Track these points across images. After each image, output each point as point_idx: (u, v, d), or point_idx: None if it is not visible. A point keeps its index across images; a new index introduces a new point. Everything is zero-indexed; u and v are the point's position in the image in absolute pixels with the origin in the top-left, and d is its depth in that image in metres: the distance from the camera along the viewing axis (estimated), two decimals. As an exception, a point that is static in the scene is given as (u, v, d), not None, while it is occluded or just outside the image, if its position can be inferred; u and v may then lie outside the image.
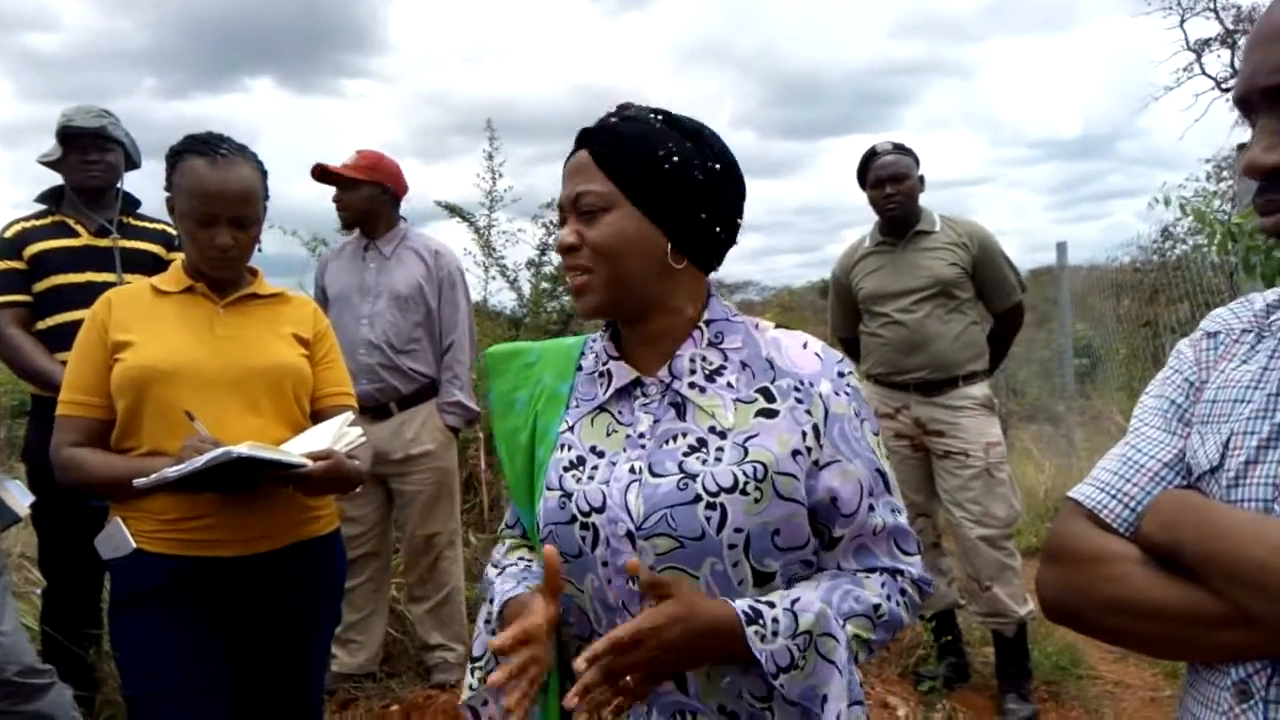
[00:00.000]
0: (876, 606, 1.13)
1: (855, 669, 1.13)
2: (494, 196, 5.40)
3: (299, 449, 1.83)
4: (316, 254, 5.83)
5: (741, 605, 1.05)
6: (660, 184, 1.12)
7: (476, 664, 1.26)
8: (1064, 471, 6.32)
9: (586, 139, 1.17)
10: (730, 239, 1.21)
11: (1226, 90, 18.80)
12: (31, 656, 2.29)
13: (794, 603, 1.07)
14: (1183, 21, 18.91)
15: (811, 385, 1.14)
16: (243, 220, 1.90)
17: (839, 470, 1.12)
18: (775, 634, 1.04)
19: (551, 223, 6.02)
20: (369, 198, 3.34)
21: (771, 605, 1.06)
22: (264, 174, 1.97)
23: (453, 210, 5.30)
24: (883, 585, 1.15)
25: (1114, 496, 0.97)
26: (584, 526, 1.14)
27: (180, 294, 1.95)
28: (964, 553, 3.31)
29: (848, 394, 1.16)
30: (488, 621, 1.25)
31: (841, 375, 1.16)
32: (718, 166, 1.16)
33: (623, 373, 1.20)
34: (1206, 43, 18.92)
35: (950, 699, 3.31)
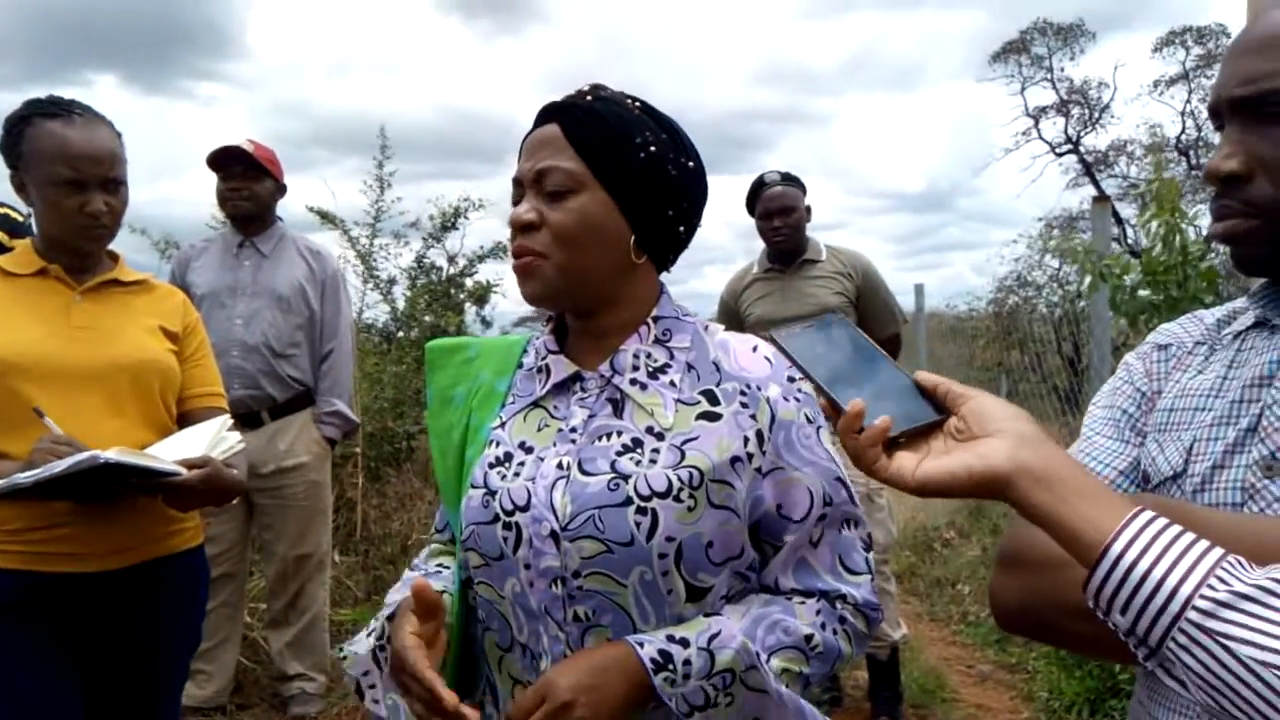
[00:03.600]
0: (809, 638, 1.04)
1: (809, 706, 1.04)
2: (380, 208, 5.21)
3: (170, 454, 1.65)
4: (166, 256, 5.49)
5: (649, 651, 0.97)
6: (634, 172, 1.05)
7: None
8: (925, 500, 6.55)
9: (556, 113, 1.08)
10: (687, 241, 1.15)
11: (1061, 154, 20.41)
12: None
13: (711, 639, 1.00)
14: (1023, 89, 20.44)
15: (759, 389, 1.07)
16: (113, 183, 1.74)
17: (783, 478, 1.06)
18: (688, 677, 0.97)
19: (429, 236, 5.88)
20: (272, 191, 3.15)
21: (686, 644, 0.99)
22: (119, 135, 1.79)
23: (326, 218, 5.07)
24: (818, 613, 1.06)
25: None
26: (507, 526, 1.05)
27: (31, 277, 1.74)
28: (842, 578, 3.34)
29: (798, 399, 1.08)
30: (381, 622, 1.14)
31: (792, 380, 1.10)
32: (690, 164, 1.10)
33: (561, 367, 1.12)
34: (1044, 110, 20.50)
35: (824, 724, 3.33)
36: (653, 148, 1.06)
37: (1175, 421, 0.96)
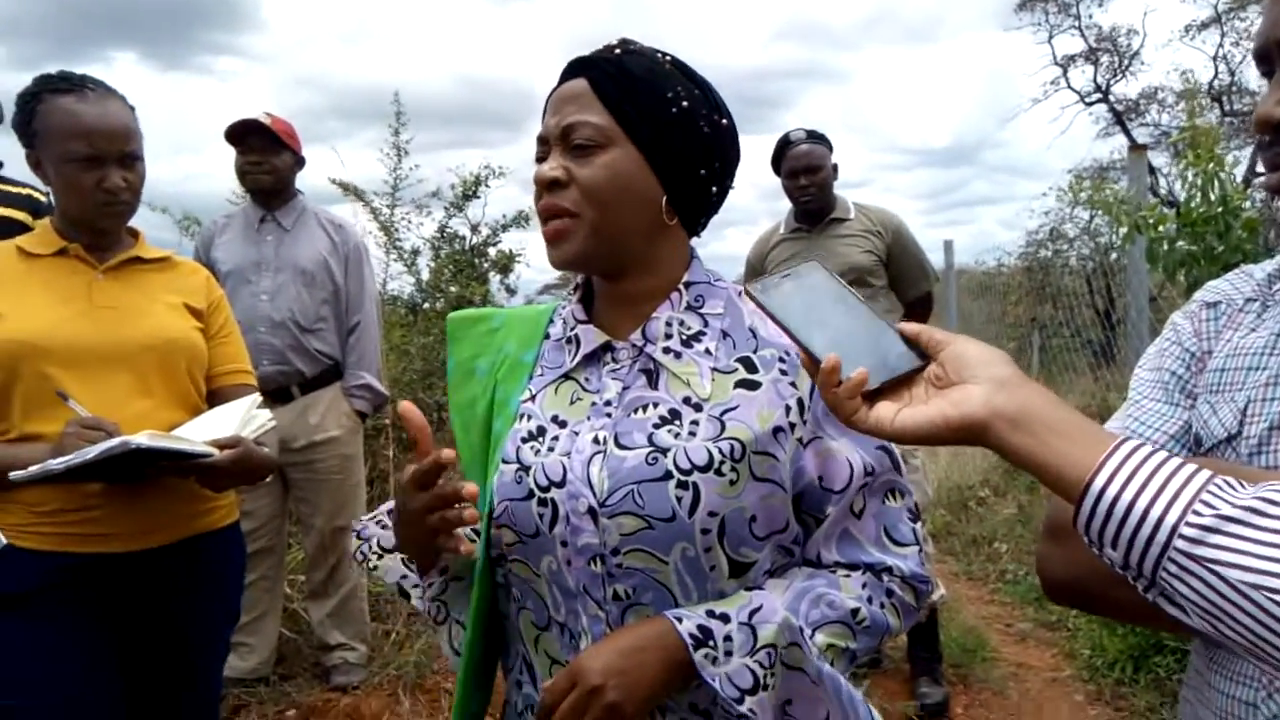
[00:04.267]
0: (854, 611, 1.00)
1: (848, 684, 1.00)
2: (399, 176, 5.18)
3: (201, 434, 1.65)
4: (189, 233, 5.51)
5: (688, 626, 0.94)
6: (666, 128, 1.01)
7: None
8: (957, 459, 6.51)
9: (584, 68, 1.03)
10: (718, 204, 1.10)
11: (1090, 104, 19.96)
12: None
13: (753, 614, 0.96)
14: (1051, 37, 19.96)
15: (797, 356, 1.02)
16: (130, 158, 1.71)
17: (822, 448, 1.02)
18: (729, 654, 0.94)
19: (450, 205, 5.85)
20: (290, 164, 3.12)
21: (726, 619, 0.96)
22: (132, 109, 1.77)
23: (347, 189, 5.04)
24: (864, 586, 1.02)
25: None
26: (542, 503, 1.02)
27: (52, 257, 1.72)
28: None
29: None
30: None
31: None
32: (724, 121, 1.05)
33: (591, 337, 1.08)
34: (1072, 58, 20.01)
35: (863, 684, 3.32)
36: (684, 103, 1.01)
37: (1228, 382, 0.92)
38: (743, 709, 0.93)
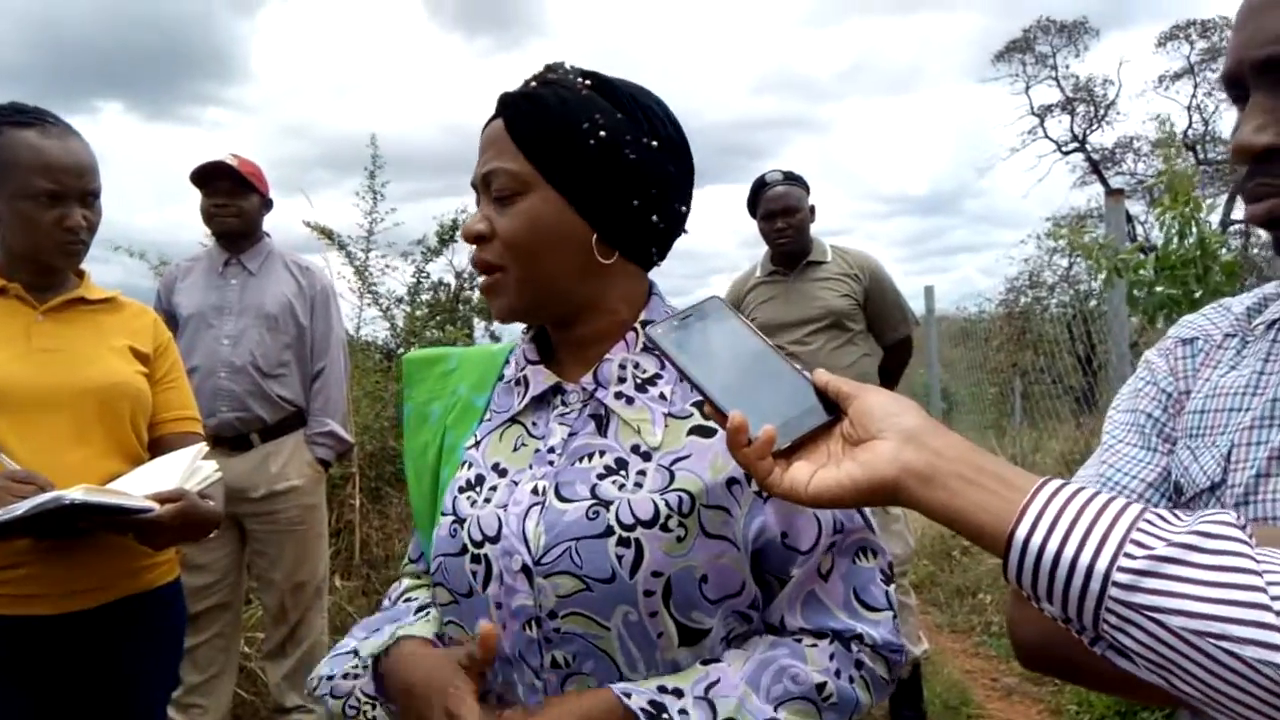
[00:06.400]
0: (820, 686, 0.91)
1: None
2: (374, 219, 5.13)
3: (141, 487, 1.54)
4: (166, 279, 5.44)
5: (639, 701, 0.85)
6: (583, 163, 0.94)
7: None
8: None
9: (503, 107, 0.97)
10: (672, 228, 1.02)
11: (1067, 153, 20.31)
12: None
13: (710, 688, 0.88)
14: (1028, 88, 20.36)
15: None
16: (91, 196, 1.65)
17: (786, 503, 0.91)
18: None
19: (428, 250, 5.81)
20: (258, 206, 3.05)
21: (680, 694, 0.87)
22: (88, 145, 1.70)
23: (323, 232, 4.98)
24: (831, 658, 0.93)
25: None
26: (475, 559, 0.94)
27: None
28: (859, 592, 3.23)
29: None
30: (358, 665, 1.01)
31: None
32: (654, 143, 0.96)
33: (540, 379, 1.00)
34: (1049, 108, 20.41)
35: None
36: (603, 133, 0.94)
37: (1208, 425, 0.84)
38: None
